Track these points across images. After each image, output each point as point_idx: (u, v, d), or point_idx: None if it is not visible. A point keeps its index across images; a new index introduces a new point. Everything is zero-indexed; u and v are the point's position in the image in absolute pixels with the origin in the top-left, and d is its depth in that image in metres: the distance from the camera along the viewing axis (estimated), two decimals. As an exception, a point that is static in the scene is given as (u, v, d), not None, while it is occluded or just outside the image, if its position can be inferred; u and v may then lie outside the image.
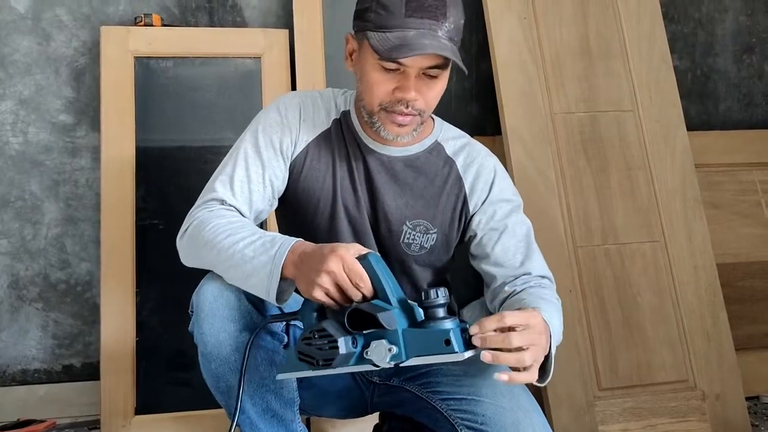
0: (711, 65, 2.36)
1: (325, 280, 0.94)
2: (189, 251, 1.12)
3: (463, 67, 1.06)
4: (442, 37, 1.05)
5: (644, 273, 1.87)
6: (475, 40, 2.19)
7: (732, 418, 1.79)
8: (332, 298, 0.95)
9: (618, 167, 1.94)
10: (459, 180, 1.24)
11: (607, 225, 1.89)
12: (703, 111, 2.34)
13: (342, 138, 1.21)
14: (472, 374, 1.13)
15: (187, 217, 1.15)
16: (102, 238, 1.82)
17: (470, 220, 1.25)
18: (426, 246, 1.22)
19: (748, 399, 1.87)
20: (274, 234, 1.05)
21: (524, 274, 1.21)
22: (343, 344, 0.92)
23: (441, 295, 0.90)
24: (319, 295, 0.95)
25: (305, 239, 1.18)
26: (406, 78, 1.08)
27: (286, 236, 1.04)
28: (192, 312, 1.13)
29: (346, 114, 1.23)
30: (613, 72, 2.01)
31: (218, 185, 1.15)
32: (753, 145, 2.19)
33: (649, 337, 1.83)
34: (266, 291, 1.00)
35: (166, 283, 1.83)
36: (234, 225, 1.07)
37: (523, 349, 0.93)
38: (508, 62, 1.96)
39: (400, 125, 1.12)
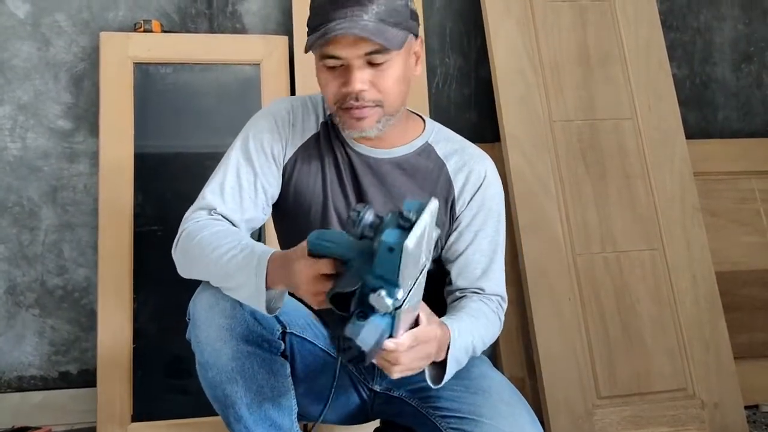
0: (709, 73, 2.36)
1: (308, 297, 0.95)
2: (182, 265, 1.13)
3: (384, 43, 1.03)
4: (368, 20, 1.03)
5: (643, 281, 1.87)
6: (474, 47, 2.19)
7: (731, 426, 1.79)
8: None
9: (617, 175, 1.94)
10: (449, 183, 1.21)
11: (606, 233, 1.89)
12: (701, 119, 2.34)
13: (329, 141, 1.20)
14: (474, 391, 1.12)
15: (179, 228, 1.15)
16: (99, 244, 1.82)
17: (453, 222, 1.22)
18: None
19: (747, 408, 1.87)
20: (254, 244, 1.04)
21: (478, 289, 1.20)
22: (359, 334, 0.84)
23: (362, 212, 0.84)
24: (319, 306, 0.95)
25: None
26: (348, 71, 1.06)
27: (263, 247, 1.03)
28: (189, 319, 1.13)
29: (332, 116, 1.21)
30: (612, 80, 2.01)
31: (208, 193, 1.15)
32: (752, 154, 2.20)
33: (648, 345, 1.82)
34: (257, 304, 1.00)
35: (164, 290, 1.82)
36: (218, 236, 1.07)
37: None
38: (507, 69, 1.96)
39: (358, 119, 1.09)
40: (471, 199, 1.20)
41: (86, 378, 1.91)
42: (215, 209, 1.13)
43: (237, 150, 1.18)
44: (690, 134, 2.11)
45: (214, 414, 1.78)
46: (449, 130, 1.28)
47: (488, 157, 1.25)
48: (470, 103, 2.19)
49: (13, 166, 1.93)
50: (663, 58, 2.06)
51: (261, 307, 1.00)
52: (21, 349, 1.91)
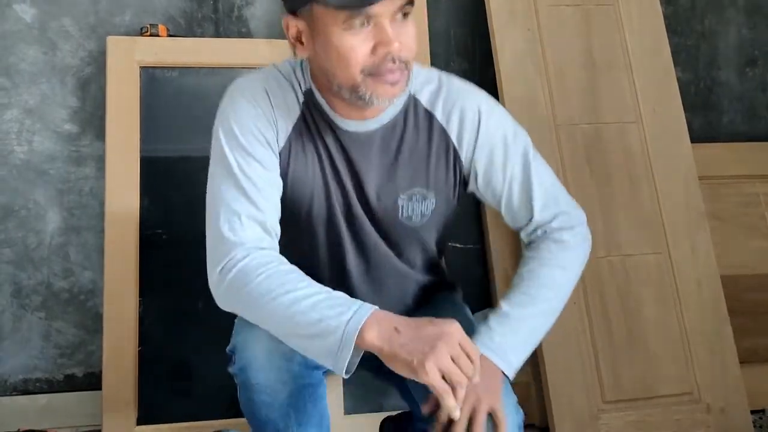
0: (714, 78, 2.36)
1: (443, 353, 0.87)
2: (231, 303, 1.02)
3: None
4: None
5: (648, 285, 1.87)
6: (479, 51, 2.19)
7: (737, 431, 1.78)
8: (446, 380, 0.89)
9: (621, 179, 1.94)
10: (443, 133, 1.11)
11: (611, 236, 1.89)
12: (706, 123, 2.34)
13: (314, 122, 1.09)
14: None
15: (213, 251, 1.02)
16: (106, 247, 1.82)
17: (469, 170, 1.14)
18: (427, 213, 1.14)
19: (753, 412, 1.86)
20: (340, 294, 0.97)
21: (528, 222, 1.14)
22: None
23: None
24: (433, 373, 0.87)
25: (305, 239, 1.14)
26: (381, 29, 0.95)
27: (358, 301, 0.95)
28: (233, 353, 1.11)
29: (309, 93, 1.09)
30: (617, 84, 2.01)
31: (237, 205, 1.01)
32: (757, 158, 2.19)
33: (653, 349, 1.82)
34: (333, 359, 0.92)
35: (169, 293, 1.83)
36: (289, 278, 0.98)
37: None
38: (512, 73, 1.96)
39: (393, 83, 0.98)
40: (476, 140, 1.11)
41: (91, 381, 1.91)
42: (265, 224, 1.02)
43: (227, 149, 1.04)
44: (695, 138, 2.11)
45: (219, 417, 1.80)
46: (419, 65, 1.12)
47: (474, 87, 1.15)
48: (475, 107, 2.19)
49: (20, 169, 1.94)
50: (668, 63, 2.06)
51: (338, 365, 0.92)
52: (26, 352, 1.91)
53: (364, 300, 1.13)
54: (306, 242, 1.16)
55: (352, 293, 1.15)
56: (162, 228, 1.85)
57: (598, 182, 1.92)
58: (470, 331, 1.20)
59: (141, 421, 1.76)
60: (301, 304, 0.94)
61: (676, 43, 2.29)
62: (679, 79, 2.11)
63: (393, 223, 1.13)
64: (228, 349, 1.14)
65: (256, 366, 1.07)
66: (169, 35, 1.96)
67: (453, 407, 0.89)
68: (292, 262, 1.09)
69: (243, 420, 1.73)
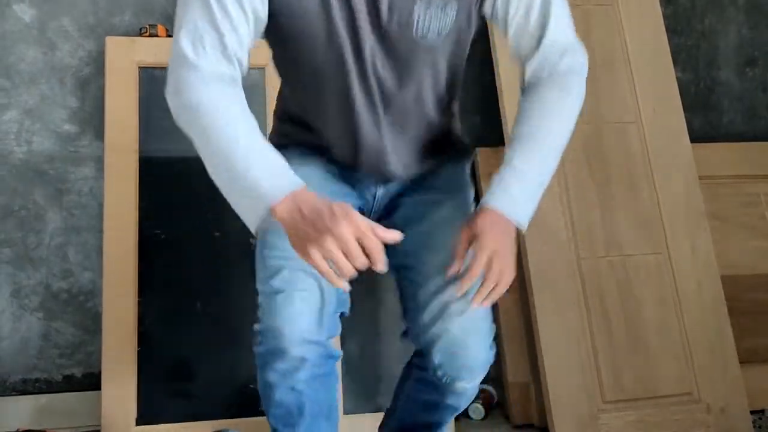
0: (714, 77, 2.36)
1: (330, 244, 0.87)
2: (180, 123, 1.02)
3: None
4: None
5: (648, 285, 1.86)
6: (479, 50, 2.19)
7: (737, 431, 1.78)
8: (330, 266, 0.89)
9: (621, 179, 1.94)
10: None
11: (611, 237, 1.89)
12: (706, 123, 2.34)
13: None
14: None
15: (173, 63, 1.00)
16: (105, 247, 1.82)
17: None
18: (444, 29, 1.02)
19: (753, 413, 1.86)
20: (275, 161, 0.96)
21: (534, 54, 1.08)
22: None
23: None
24: (316, 257, 0.88)
25: (305, 71, 1.06)
26: None
27: (288, 173, 0.95)
28: (259, 332, 1.11)
29: None
30: (617, 84, 2.01)
31: (205, 33, 0.97)
32: (757, 158, 2.19)
33: (653, 349, 1.82)
34: (245, 215, 0.96)
35: (169, 293, 1.82)
36: (233, 119, 0.98)
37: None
38: (512, 73, 1.96)
39: None
40: None
41: (91, 381, 1.91)
42: (227, 51, 0.98)
43: None
44: (695, 138, 2.10)
45: (219, 417, 1.80)
46: None
47: None
48: (474, 108, 2.19)
49: (19, 169, 1.93)
50: (667, 62, 2.06)
51: (251, 225, 0.95)
52: (26, 352, 1.91)
53: (370, 143, 1.10)
54: (307, 70, 1.07)
55: (356, 131, 1.09)
56: (161, 228, 1.85)
57: (598, 182, 1.92)
58: (457, 226, 1.12)
59: (141, 421, 1.76)
60: (235, 154, 0.94)
61: (676, 43, 2.29)
62: (679, 79, 2.11)
63: (405, 41, 1.02)
64: (255, 328, 1.13)
65: (281, 354, 1.08)
66: (168, 35, 1.96)
67: (341, 287, 0.92)
68: (296, 101, 1.14)
69: (243, 420, 1.75)
